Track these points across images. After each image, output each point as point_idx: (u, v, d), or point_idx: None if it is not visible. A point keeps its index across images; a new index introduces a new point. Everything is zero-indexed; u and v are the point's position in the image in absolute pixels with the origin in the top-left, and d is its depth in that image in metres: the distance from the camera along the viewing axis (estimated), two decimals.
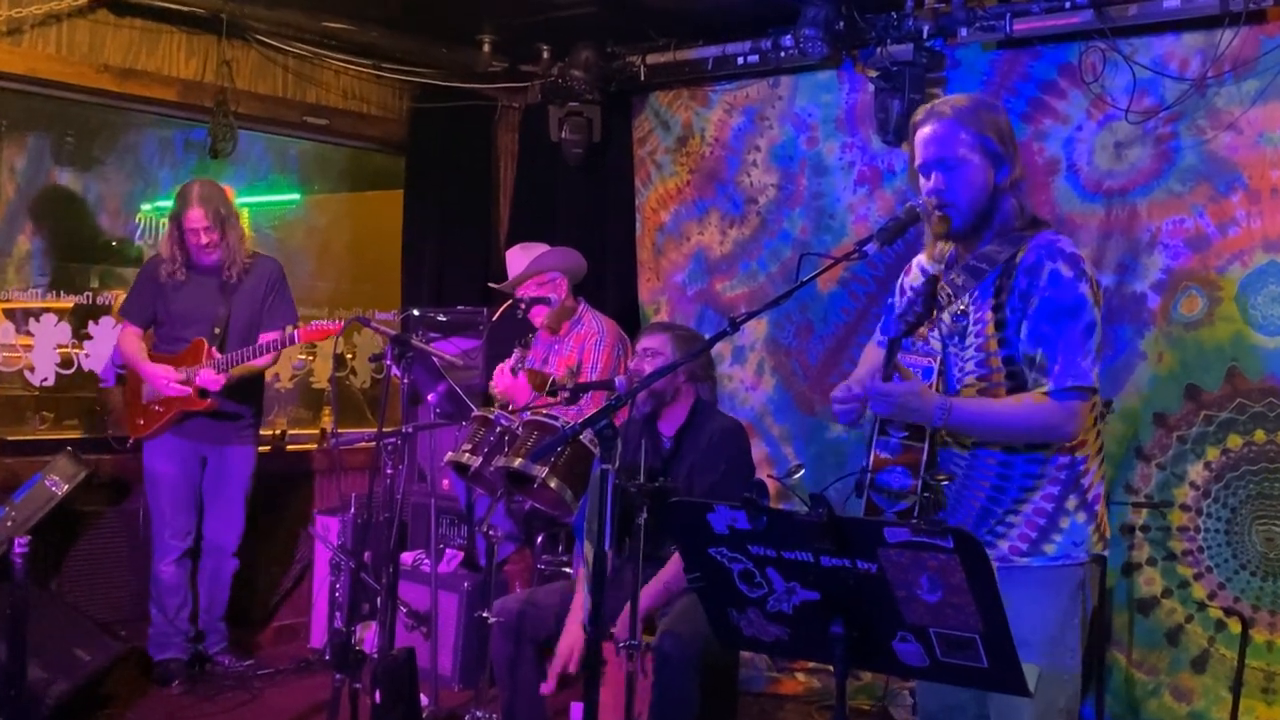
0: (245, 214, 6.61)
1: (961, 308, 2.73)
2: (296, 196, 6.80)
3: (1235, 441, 4.21)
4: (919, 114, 2.79)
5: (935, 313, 2.75)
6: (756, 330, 5.49)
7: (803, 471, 2.73)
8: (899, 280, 3.07)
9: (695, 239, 5.77)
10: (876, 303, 5.12)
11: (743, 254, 5.59)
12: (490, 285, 5.16)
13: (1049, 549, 2.70)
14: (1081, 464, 2.72)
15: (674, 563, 3.72)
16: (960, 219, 2.71)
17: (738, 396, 5.55)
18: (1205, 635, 4.22)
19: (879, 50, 4.81)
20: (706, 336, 4.09)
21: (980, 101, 2.80)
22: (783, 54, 5.23)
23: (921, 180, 2.77)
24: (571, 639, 3.72)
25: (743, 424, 4.14)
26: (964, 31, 4.66)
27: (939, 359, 2.73)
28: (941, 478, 2.67)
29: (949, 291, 2.75)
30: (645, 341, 4.02)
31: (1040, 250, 2.66)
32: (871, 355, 3.09)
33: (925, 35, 4.76)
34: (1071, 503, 2.71)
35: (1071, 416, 2.63)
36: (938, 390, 2.68)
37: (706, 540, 2.35)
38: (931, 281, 2.66)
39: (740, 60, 5.41)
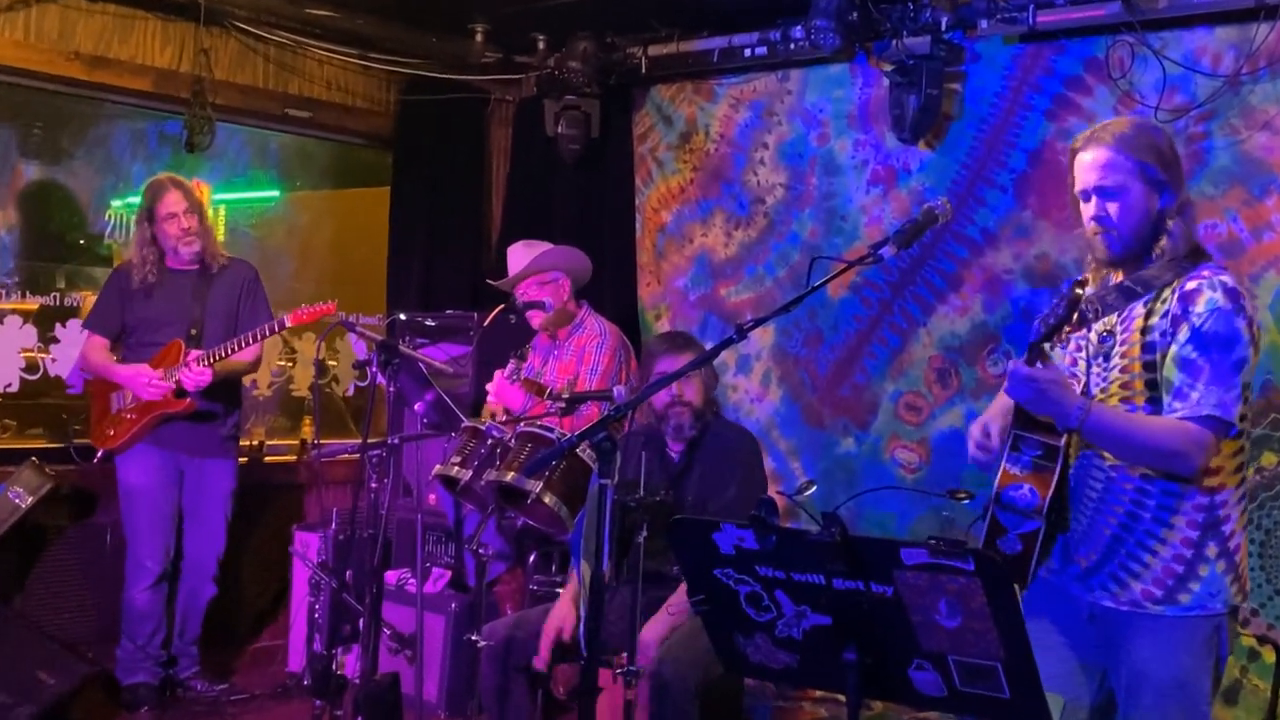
0: (222, 211, 6.63)
1: (1108, 327, 2.78)
2: (277, 193, 6.80)
3: (1270, 459, 4.20)
4: (1079, 140, 2.86)
5: (1081, 326, 2.78)
6: (763, 338, 5.49)
7: (813, 489, 2.73)
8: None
9: (698, 241, 5.77)
10: (890, 310, 5.12)
11: (749, 257, 5.59)
12: (489, 282, 5.15)
13: (1184, 599, 2.71)
14: (1221, 507, 2.73)
15: (678, 591, 3.72)
16: (1121, 245, 2.78)
17: (743, 408, 5.54)
18: (1237, 665, 4.22)
19: (894, 43, 4.81)
20: (709, 345, 4.09)
21: (1142, 127, 2.87)
22: (792, 46, 5.23)
23: (1082, 205, 2.84)
24: (562, 612, 3.76)
25: (754, 435, 4.15)
26: (984, 23, 4.67)
27: (1082, 381, 2.79)
28: (961, 495, 2.67)
29: (1097, 308, 2.80)
30: (664, 364, 3.97)
31: (1201, 280, 2.72)
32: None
33: (944, 27, 4.77)
34: (1212, 550, 2.72)
35: (1201, 447, 2.65)
36: None
37: (712, 561, 2.34)
38: (1077, 285, 2.70)
39: (747, 52, 5.42)
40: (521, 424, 4.20)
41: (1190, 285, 2.70)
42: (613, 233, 6.03)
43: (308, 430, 6.03)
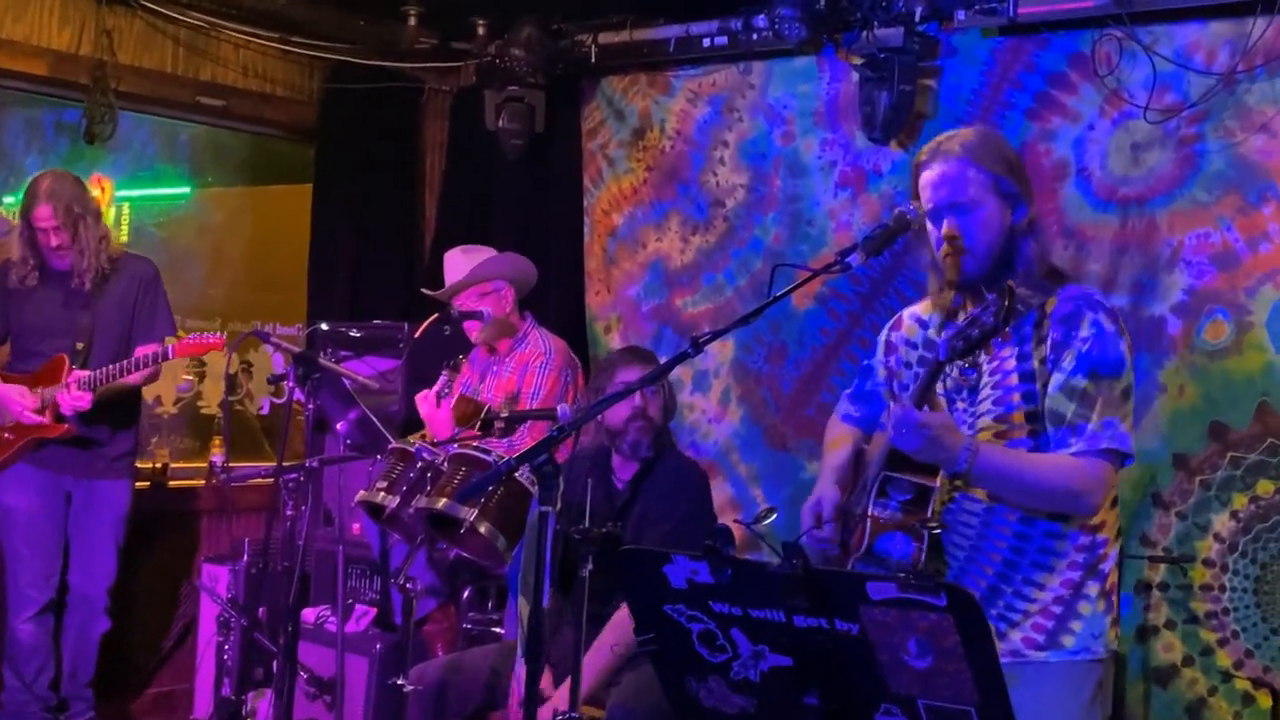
0: (126, 209, 6.57)
1: (969, 360, 2.78)
2: (187, 190, 6.75)
3: (1266, 488, 4.26)
4: (922, 154, 2.87)
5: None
6: (722, 353, 5.50)
7: (774, 516, 2.74)
8: (882, 335, 3.12)
9: (652, 246, 5.78)
10: (860, 323, 5.15)
11: (707, 264, 5.61)
12: (423, 291, 5.14)
13: (1067, 641, 2.74)
14: (1103, 546, 2.78)
15: (617, 623, 3.70)
16: (977, 265, 2.79)
17: (699, 429, 5.55)
18: (1231, 710, 4.27)
19: (865, 34, 4.85)
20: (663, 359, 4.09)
21: (989, 136, 2.90)
22: (755, 36, 5.26)
23: (930, 227, 2.84)
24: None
25: (702, 466, 4.17)
26: (961, 14, 4.72)
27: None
28: (933, 525, 2.69)
29: (955, 345, 2.79)
30: (628, 374, 4.00)
31: (1077, 300, 2.75)
32: (839, 433, 3.14)
33: (918, 18, 4.81)
34: (1092, 589, 2.76)
35: (1100, 483, 2.69)
36: None
37: (662, 596, 2.34)
38: (1006, 291, 2.61)
39: (706, 42, 5.44)
40: (455, 445, 4.18)
41: (1068, 309, 2.73)
42: (559, 237, 6.02)
43: (217, 451, 5.97)
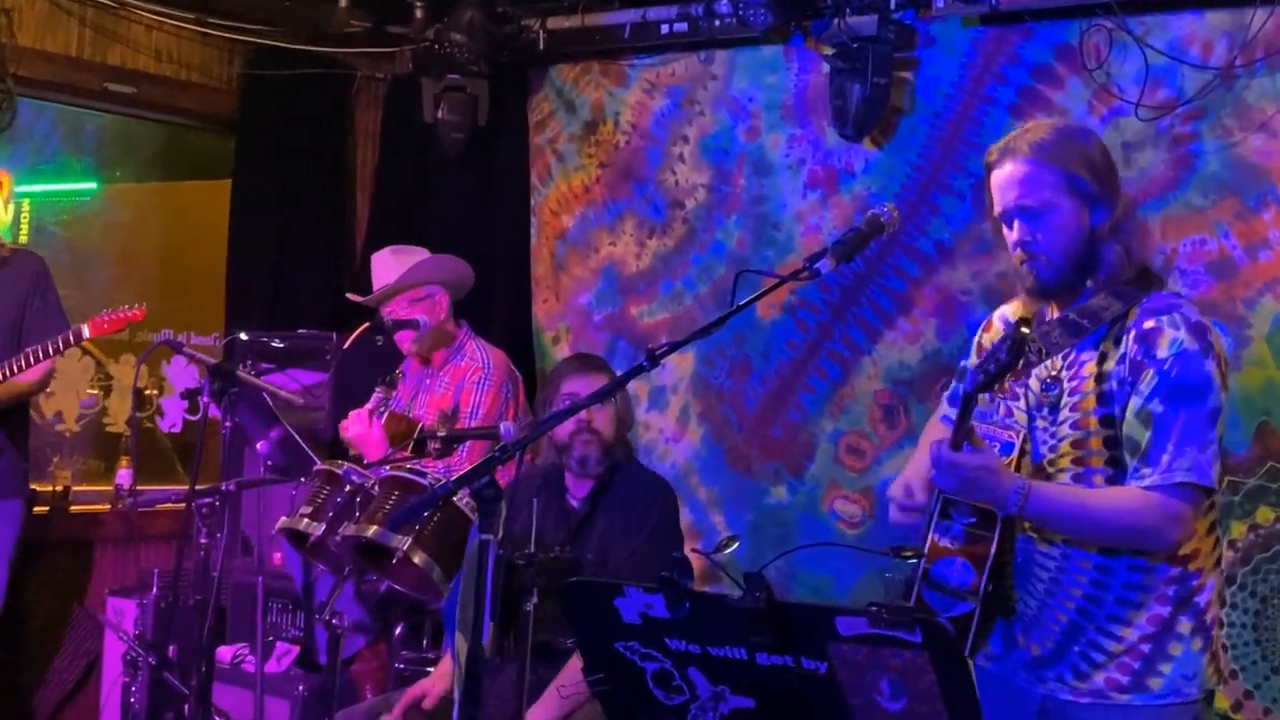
0: (26, 206, 6.50)
1: (1053, 373, 2.81)
2: (93, 185, 6.69)
3: (1266, 515, 4.30)
4: (992, 153, 2.89)
5: (1022, 372, 2.80)
6: (680, 367, 5.51)
7: (736, 545, 2.74)
8: (975, 338, 3.14)
9: (605, 250, 5.78)
10: (830, 335, 5.17)
11: (665, 270, 5.61)
12: (350, 297, 5.11)
13: (1155, 684, 2.74)
14: (1195, 578, 2.78)
15: (572, 668, 3.70)
16: (1052, 272, 2.81)
17: (656, 449, 5.55)
18: None
19: (836, 22, 4.87)
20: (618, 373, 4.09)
21: (1065, 131, 2.91)
22: (718, 22, 5.28)
23: (1005, 230, 2.88)
24: (430, 681, 3.79)
25: (668, 482, 4.17)
26: (941, 2, 4.76)
27: (1022, 434, 2.81)
28: (908, 553, 2.70)
29: (1040, 347, 2.82)
30: (574, 384, 4.00)
31: (1160, 315, 2.74)
32: (934, 436, 3.14)
33: (893, 5, 4.85)
34: (1185, 625, 2.76)
35: (1176, 520, 2.67)
36: (1018, 471, 2.75)
37: (613, 632, 2.33)
38: (1022, 323, 2.69)
39: (665, 29, 5.45)
40: (387, 468, 4.16)
41: (1149, 324, 2.73)
42: (503, 240, 6.01)
43: (124, 473, 5.92)
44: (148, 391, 6.25)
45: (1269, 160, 4.34)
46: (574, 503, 4.03)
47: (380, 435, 4.55)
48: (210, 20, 5.93)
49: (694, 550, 4.88)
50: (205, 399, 4.11)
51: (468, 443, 4.52)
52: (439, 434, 4.21)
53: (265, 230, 6.19)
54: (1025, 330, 2.63)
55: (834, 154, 5.22)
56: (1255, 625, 4.29)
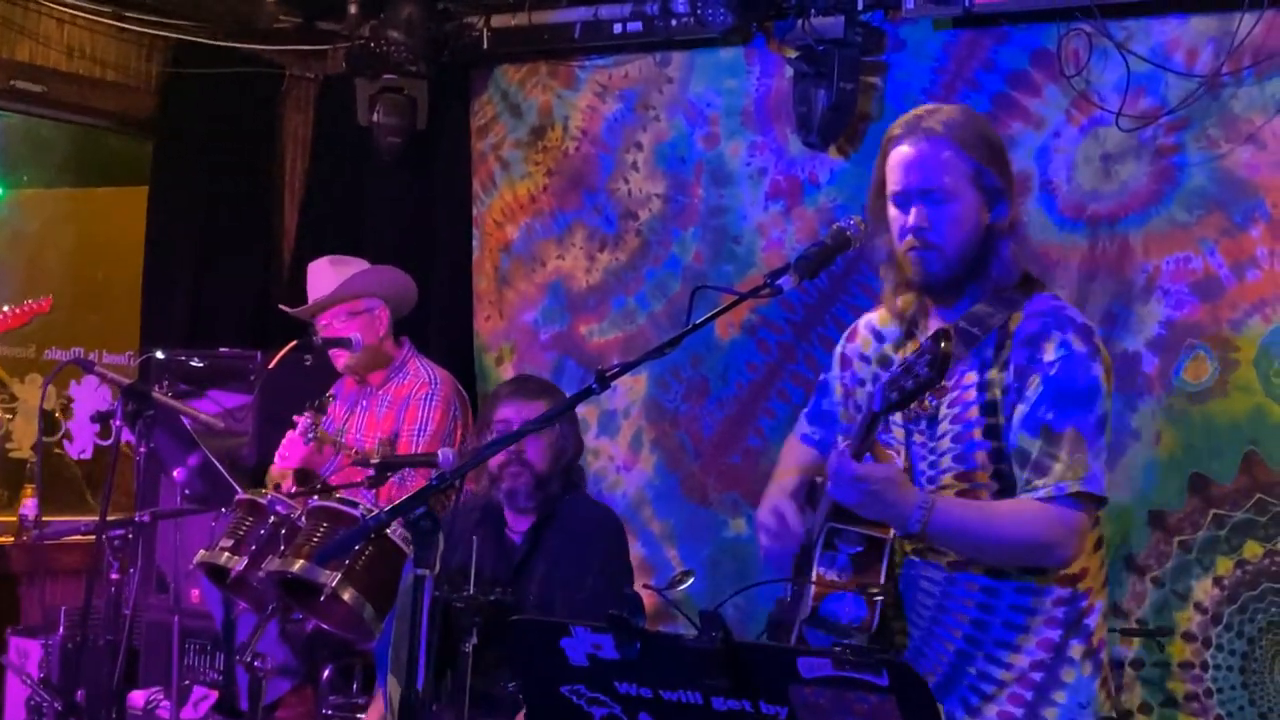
0: None
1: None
2: None
3: (1254, 550, 4.34)
4: (897, 127, 2.87)
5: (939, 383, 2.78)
6: (633, 390, 5.51)
7: (691, 581, 2.73)
8: (838, 347, 3.13)
9: (553, 264, 5.78)
10: (793, 356, 5.19)
11: (616, 286, 5.61)
12: (282, 308, 5.08)
13: (1050, 714, 2.76)
14: (1084, 598, 2.80)
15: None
16: (943, 266, 2.79)
17: (606, 478, 5.54)
18: None
19: (800, 23, 4.90)
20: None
21: (977, 120, 2.91)
22: (674, 22, 5.29)
23: (894, 213, 2.84)
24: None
25: (616, 514, 4.16)
26: (910, 3, 4.78)
27: (902, 451, 2.81)
28: (875, 592, 2.70)
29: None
30: (507, 410, 4.00)
31: (1045, 318, 2.76)
32: (795, 457, 3.15)
33: (861, 6, 4.88)
34: (1076, 649, 2.78)
35: (1074, 533, 2.70)
36: None
37: (559, 674, 2.32)
38: (943, 336, 2.58)
39: (617, 28, 5.47)
40: (315, 496, 4.14)
41: (1034, 327, 2.74)
42: (442, 252, 6.00)
43: (29, 503, 5.85)
44: (56, 414, 6.21)
45: (1257, 174, 4.38)
46: (514, 538, 4.02)
47: (315, 455, 4.55)
48: (127, 14, 5.90)
49: (646, 586, 4.88)
50: (118, 422, 4.07)
51: (404, 470, 4.50)
52: (373, 460, 4.19)
53: (185, 241, 6.15)
54: (947, 345, 2.55)
55: (797, 163, 5.24)
56: (1243, 669, 4.32)
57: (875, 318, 3.03)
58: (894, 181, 2.82)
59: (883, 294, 2.95)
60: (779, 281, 2.76)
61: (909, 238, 2.79)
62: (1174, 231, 4.50)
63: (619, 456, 5.56)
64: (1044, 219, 4.71)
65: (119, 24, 5.92)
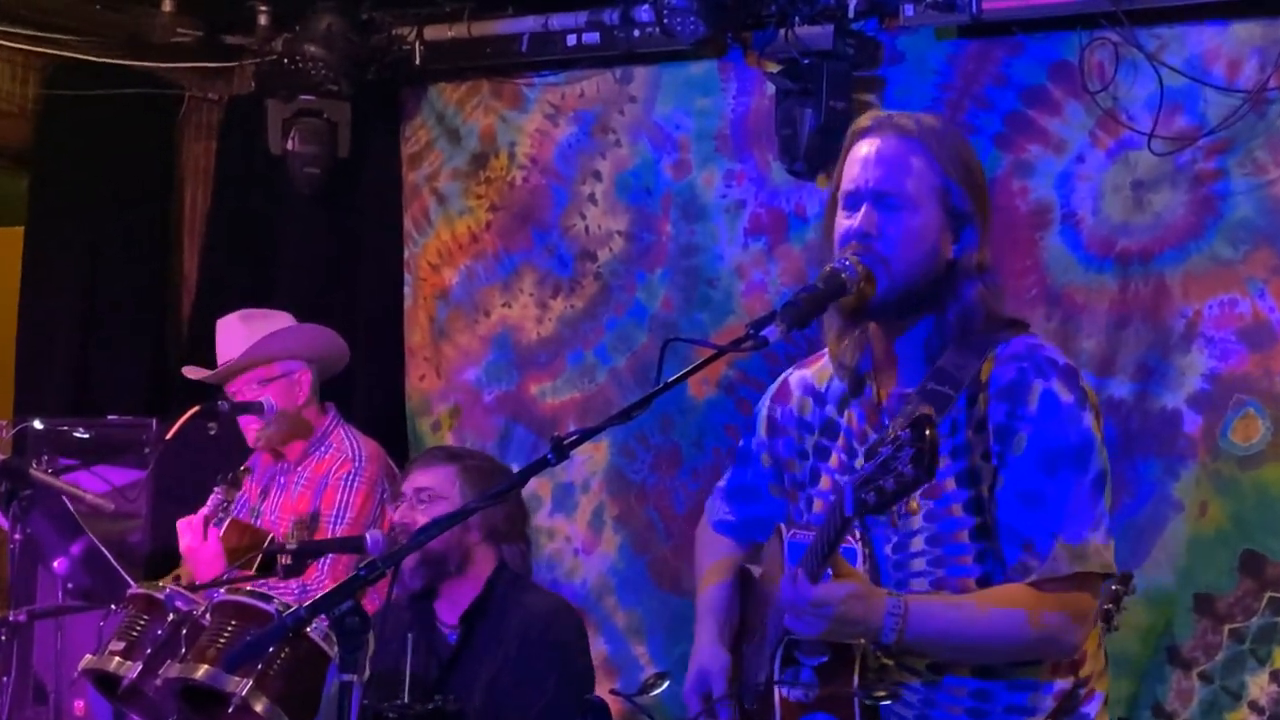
0: None
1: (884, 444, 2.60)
2: None
3: None
4: (865, 118, 2.84)
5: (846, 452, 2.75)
6: (593, 459, 5.50)
7: (666, 685, 2.72)
8: (762, 408, 3.05)
9: (498, 314, 5.78)
10: None
11: (573, 338, 5.61)
12: (186, 372, 5.06)
13: None
14: (1084, 687, 2.78)
15: None
16: (888, 286, 2.71)
17: (563, 563, 5.52)
18: None
19: (783, 34, 4.93)
20: (514, 469, 4.07)
21: (956, 131, 2.90)
22: (637, 33, 5.31)
23: (841, 215, 2.79)
24: None
25: (572, 606, 4.15)
26: (910, 9, 4.81)
27: (862, 538, 2.73)
28: (881, 694, 2.68)
29: (861, 429, 2.78)
30: (418, 478, 4.04)
31: (1021, 363, 2.69)
32: (712, 554, 3.13)
33: (852, 13, 4.90)
34: None
35: (1081, 618, 2.67)
36: None
37: None
38: (925, 421, 2.41)
39: (571, 40, 5.48)
40: (222, 590, 4.11)
41: (1010, 375, 2.68)
42: (369, 300, 6.01)
43: None
44: None
45: None
46: (444, 630, 4.01)
47: (217, 549, 4.50)
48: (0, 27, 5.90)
49: (613, 692, 4.86)
50: None
51: (328, 558, 4.47)
52: (289, 546, 4.17)
53: (67, 290, 6.15)
54: (932, 434, 2.37)
55: (781, 194, 5.26)
56: None
57: (809, 373, 2.97)
58: (848, 178, 2.77)
59: (825, 337, 2.88)
60: (764, 332, 2.70)
61: (851, 242, 2.72)
62: (1217, 270, 4.52)
63: (577, 537, 5.54)
64: (1067, 256, 4.73)
65: None
